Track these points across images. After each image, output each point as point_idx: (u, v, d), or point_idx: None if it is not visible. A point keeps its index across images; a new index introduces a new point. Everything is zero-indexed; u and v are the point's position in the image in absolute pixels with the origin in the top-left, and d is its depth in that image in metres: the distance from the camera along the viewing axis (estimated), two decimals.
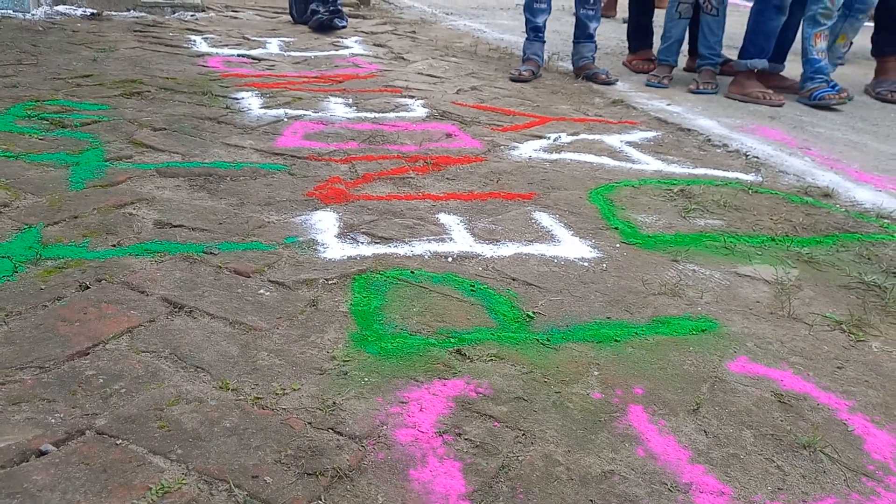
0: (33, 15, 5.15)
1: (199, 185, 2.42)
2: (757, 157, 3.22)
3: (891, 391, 1.57)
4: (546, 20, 4.51)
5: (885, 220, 2.60)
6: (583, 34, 4.57)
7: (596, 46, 4.65)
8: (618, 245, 2.21)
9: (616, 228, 2.33)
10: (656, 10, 5.21)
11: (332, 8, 5.55)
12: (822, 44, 4.27)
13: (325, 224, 2.16)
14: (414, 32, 5.95)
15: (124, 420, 1.26)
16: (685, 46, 4.82)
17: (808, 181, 2.95)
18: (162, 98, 3.38)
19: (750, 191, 2.79)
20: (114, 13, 5.55)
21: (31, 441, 1.19)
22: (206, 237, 2.01)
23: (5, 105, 3.03)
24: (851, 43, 4.73)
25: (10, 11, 5.10)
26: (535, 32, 4.50)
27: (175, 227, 2.07)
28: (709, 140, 3.45)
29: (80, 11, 5.45)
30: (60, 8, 5.46)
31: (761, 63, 4.26)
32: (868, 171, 3.14)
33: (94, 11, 5.43)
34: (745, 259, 2.18)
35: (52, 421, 1.25)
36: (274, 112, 3.27)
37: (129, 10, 5.70)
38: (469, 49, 5.35)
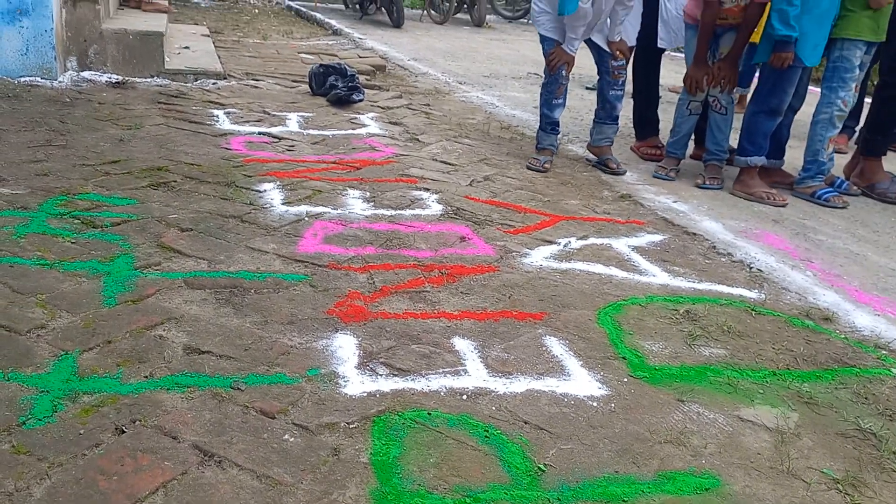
0: (60, 82, 5.31)
1: (225, 298, 2.52)
2: (760, 270, 3.32)
3: None
4: (562, 114, 4.66)
5: (883, 352, 2.69)
6: (609, 116, 4.67)
7: (618, 128, 4.76)
8: (625, 379, 2.30)
9: (624, 358, 2.43)
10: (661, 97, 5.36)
11: (350, 84, 5.71)
12: (832, 148, 4.42)
13: (345, 352, 2.26)
14: (428, 105, 6.11)
15: None
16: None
17: (810, 301, 3.06)
18: (188, 190, 3.50)
19: (753, 312, 2.89)
20: (138, 80, 5.72)
21: None
22: (233, 367, 2.11)
23: (37, 200, 3.15)
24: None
25: (39, 79, 5.26)
26: (551, 126, 4.64)
27: (203, 353, 2.17)
28: (714, 247, 3.55)
29: (105, 78, 5.62)
30: (86, 74, 5.63)
31: (760, 160, 4.40)
32: (868, 289, 3.24)
33: (119, 80, 5.60)
34: (748, 399, 2.27)
35: None
36: (295, 210, 3.39)
37: (153, 76, 5.87)
38: (481, 128, 5.49)
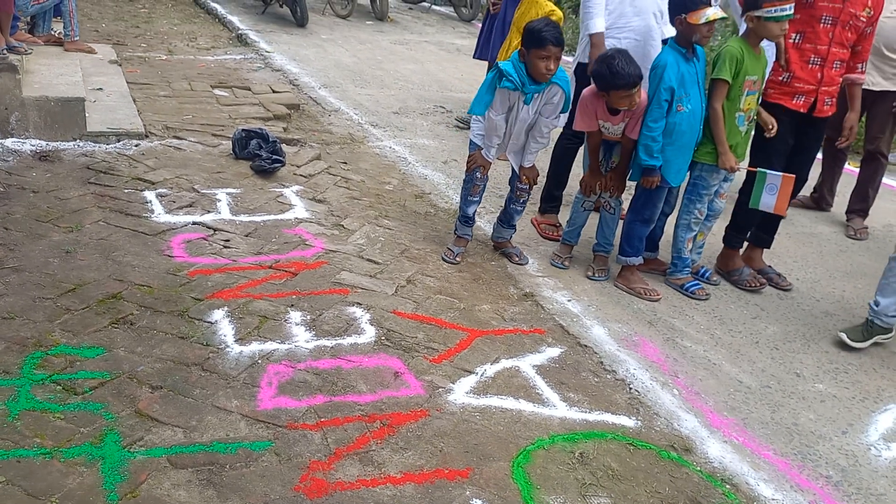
0: None
1: (206, 478, 3.03)
2: (638, 392, 4.07)
3: None
4: (476, 209, 5.25)
5: (727, 486, 3.49)
6: (507, 223, 5.33)
7: (514, 232, 5.42)
8: None
9: None
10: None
11: (271, 152, 6.07)
12: (691, 245, 5.26)
13: None
14: (345, 164, 6.56)
15: None
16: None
17: (675, 428, 3.82)
18: (146, 326, 3.90)
19: (632, 447, 3.63)
20: (62, 147, 5.87)
21: None
22: None
23: (15, 360, 3.50)
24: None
25: None
26: (465, 220, 5.22)
27: None
28: (601, 363, 4.28)
29: (28, 147, 5.75)
30: (9, 143, 5.73)
31: (637, 260, 5.18)
32: (720, 410, 4.05)
33: (44, 148, 5.74)
34: None
35: None
36: (249, 350, 3.86)
37: (75, 139, 6.01)
38: (398, 198, 6.02)
